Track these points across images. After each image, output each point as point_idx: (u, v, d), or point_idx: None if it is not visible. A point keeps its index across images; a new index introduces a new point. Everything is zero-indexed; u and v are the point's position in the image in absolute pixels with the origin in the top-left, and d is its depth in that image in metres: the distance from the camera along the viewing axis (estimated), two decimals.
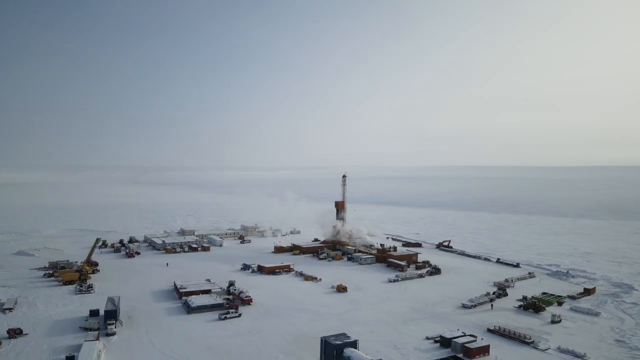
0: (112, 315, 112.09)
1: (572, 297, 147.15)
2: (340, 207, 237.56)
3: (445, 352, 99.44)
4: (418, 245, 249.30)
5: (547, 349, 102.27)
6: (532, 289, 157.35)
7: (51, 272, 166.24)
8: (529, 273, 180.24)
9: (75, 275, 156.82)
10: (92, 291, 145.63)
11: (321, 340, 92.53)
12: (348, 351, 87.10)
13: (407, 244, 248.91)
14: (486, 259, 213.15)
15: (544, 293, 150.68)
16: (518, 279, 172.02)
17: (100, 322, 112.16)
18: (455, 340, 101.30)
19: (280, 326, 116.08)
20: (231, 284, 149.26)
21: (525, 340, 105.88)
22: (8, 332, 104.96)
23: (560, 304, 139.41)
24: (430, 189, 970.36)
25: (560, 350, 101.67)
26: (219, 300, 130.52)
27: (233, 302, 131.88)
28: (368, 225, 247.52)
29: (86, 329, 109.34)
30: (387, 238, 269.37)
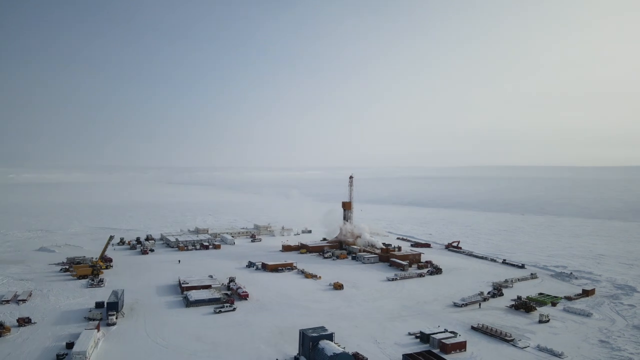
0: (113, 307, 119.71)
1: (569, 298, 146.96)
2: (347, 207, 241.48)
3: (424, 348, 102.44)
4: (427, 245, 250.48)
5: (525, 347, 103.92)
6: (531, 289, 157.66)
7: (67, 267, 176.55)
8: (532, 274, 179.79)
9: (88, 270, 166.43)
10: (102, 285, 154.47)
11: (300, 332, 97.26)
12: (322, 343, 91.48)
13: (415, 244, 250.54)
14: (492, 260, 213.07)
15: (540, 294, 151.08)
16: (519, 279, 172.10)
17: (103, 313, 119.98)
18: (434, 336, 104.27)
19: (271, 320, 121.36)
20: (231, 280, 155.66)
21: (505, 338, 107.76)
22: (18, 320, 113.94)
23: (554, 304, 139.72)
24: (458, 189, 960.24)
25: (539, 348, 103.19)
26: (217, 295, 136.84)
27: (230, 297, 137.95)
28: (373, 226, 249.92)
29: (89, 319, 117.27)
30: (398, 238, 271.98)
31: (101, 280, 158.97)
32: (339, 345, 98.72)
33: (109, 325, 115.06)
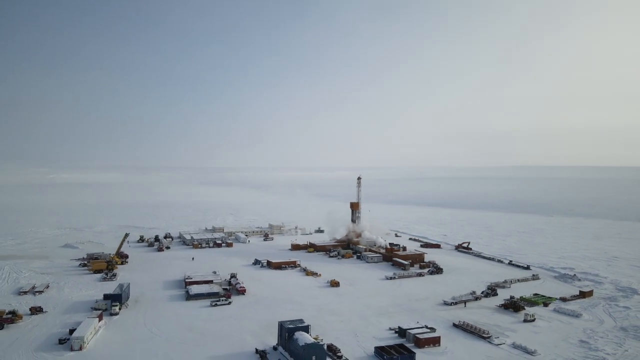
0: (117, 298, 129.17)
1: (564, 299, 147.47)
2: (354, 207, 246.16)
3: (401, 342, 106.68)
4: (437, 246, 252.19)
5: (500, 344, 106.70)
6: (528, 290, 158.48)
7: (86, 262, 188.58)
8: (533, 275, 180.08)
9: (103, 264, 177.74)
10: (114, 279, 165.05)
11: (278, 324, 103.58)
12: (297, 334, 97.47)
13: (425, 245, 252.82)
14: (499, 261, 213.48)
15: (535, 294, 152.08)
16: (519, 280, 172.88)
17: (108, 304, 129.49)
18: (410, 331, 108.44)
19: (262, 313, 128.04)
20: (233, 275, 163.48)
21: (483, 335, 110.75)
22: (30, 309, 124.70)
23: (546, 305, 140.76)
24: (488, 190, 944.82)
25: (514, 346, 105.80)
26: (216, 290, 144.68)
27: (229, 291, 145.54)
28: (382, 226, 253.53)
29: (95, 309, 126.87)
30: (410, 239, 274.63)
31: (114, 275, 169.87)
32: (317, 337, 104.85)
33: (112, 314, 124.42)
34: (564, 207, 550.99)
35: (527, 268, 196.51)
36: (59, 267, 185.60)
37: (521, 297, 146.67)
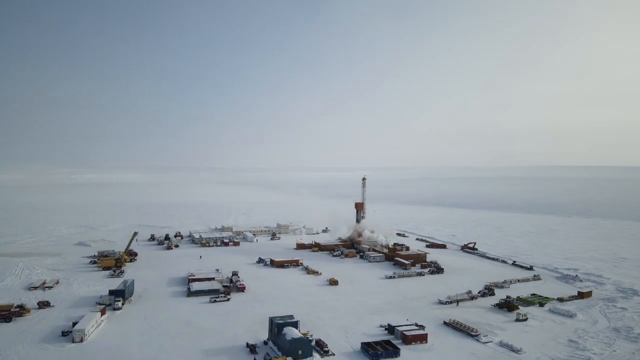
0: (119, 294, 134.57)
1: (561, 300, 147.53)
2: (359, 208, 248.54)
3: (389, 338, 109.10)
4: (442, 246, 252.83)
5: (487, 342, 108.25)
6: (527, 290, 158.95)
7: (96, 259, 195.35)
8: (534, 276, 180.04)
9: (112, 262, 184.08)
10: (122, 276, 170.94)
11: (269, 319, 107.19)
12: (286, 329, 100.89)
13: (431, 245, 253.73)
14: (503, 262, 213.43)
15: (533, 294, 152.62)
16: (519, 280, 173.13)
17: (112, 299, 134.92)
18: (398, 328, 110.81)
19: (258, 309, 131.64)
20: (234, 273, 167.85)
21: (471, 333, 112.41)
22: (38, 303, 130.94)
23: (542, 305, 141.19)
24: (509, 190, 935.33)
25: (501, 344, 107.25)
26: (216, 287, 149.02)
27: (229, 288, 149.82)
28: (386, 227, 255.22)
29: (100, 304, 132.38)
30: (417, 239, 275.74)
31: (122, 272, 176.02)
32: (306, 332, 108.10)
33: (114, 309, 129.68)
34: (584, 207, 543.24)
35: (530, 269, 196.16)
36: (71, 264, 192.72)
37: (518, 297, 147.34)
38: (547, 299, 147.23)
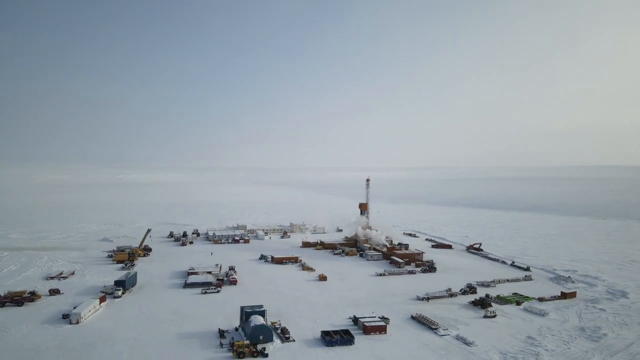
0: (120, 284, 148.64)
1: (542, 299, 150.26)
2: (363, 208, 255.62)
3: (354, 328, 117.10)
4: (448, 247, 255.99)
5: (444, 335, 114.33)
6: (513, 289, 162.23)
7: (112, 254, 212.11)
8: (526, 276, 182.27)
9: (125, 256, 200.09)
10: (132, 269, 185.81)
11: (240, 308, 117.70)
12: (252, 317, 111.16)
13: (437, 245, 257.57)
14: (503, 262, 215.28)
15: (514, 293, 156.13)
16: (508, 280, 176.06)
17: (114, 289, 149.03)
18: (361, 319, 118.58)
19: (244, 301, 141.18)
20: (231, 268, 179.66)
21: (431, 326, 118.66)
22: (49, 291, 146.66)
23: (519, 303, 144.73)
24: (548, 190, 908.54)
25: (456, 337, 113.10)
26: (210, 280, 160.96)
27: (222, 281, 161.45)
28: (390, 227, 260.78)
29: (103, 293, 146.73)
30: (426, 239, 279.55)
31: (133, 265, 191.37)
32: (276, 321, 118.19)
33: (115, 297, 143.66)
34: (622, 209, 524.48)
35: (527, 269, 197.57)
36: (90, 258, 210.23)
37: (498, 296, 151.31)
38: (527, 298, 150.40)
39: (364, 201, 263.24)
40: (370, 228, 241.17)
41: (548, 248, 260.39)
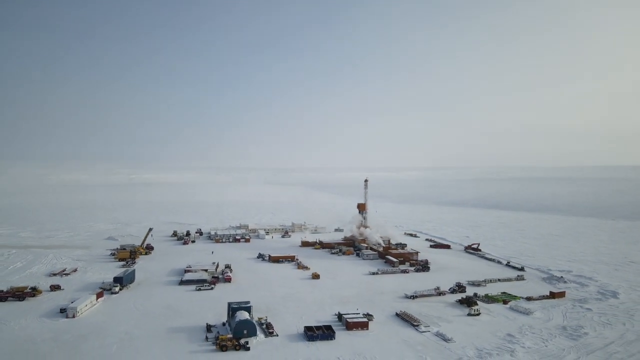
0: (118, 280, 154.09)
1: (529, 299, 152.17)
2: (361, 208, 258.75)
3: (337, 324, 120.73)
4: (447, 247, 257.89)
5: (424, 332, 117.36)
6: (504, 289, 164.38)
7: (115, 252, 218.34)
8: (518, 276, 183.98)
9: (127, 254, 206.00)
10: (133, 266, 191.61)
11: (227, 304, 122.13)
12: (238, 312, 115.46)
13: (435, 245, 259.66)
14: (499, 262, 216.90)
15: (503, 292, 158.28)
16: (499, 280, 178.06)
17: (112, 285, 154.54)
18: (345, 316, 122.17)
19: (236, 298, 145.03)
20: (227, 266, 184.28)
21: (413, 323, 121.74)
22: (50, 286, 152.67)
23: (505, 302, 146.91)
24: (561, 191, 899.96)
25: (436, 334, 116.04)
26: (205, 277, 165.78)
27: (217, 279, 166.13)
28: (387, 227, 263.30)
29: (102, 289, 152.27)
30: (426, 239, 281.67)
31: (134, 263, 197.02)
32: (263, 317, 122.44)
33: (112, 293, 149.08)
34: (633, 210, 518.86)
35: (522, 269, 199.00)
36: (94, 256, 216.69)
37: (486, 295, 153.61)
38: (514, 297, 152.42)
39: (369, 201, 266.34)
40: (365, 227, 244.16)
41: (548, 248, 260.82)
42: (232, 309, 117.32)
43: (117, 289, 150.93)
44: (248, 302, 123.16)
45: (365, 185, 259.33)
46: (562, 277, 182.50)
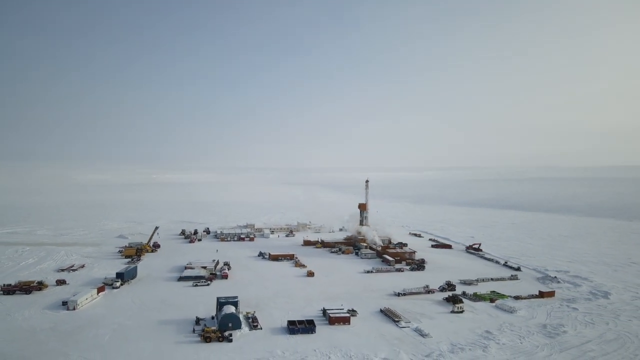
0: (119, 276, 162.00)
1: (517, 298, 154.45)
2: (362, 208, 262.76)
3: (322, 319, 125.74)
4: (448, 246, 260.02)
5: (404, 327, 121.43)
6: (496, 288, 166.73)
7: (122, 249, 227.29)
8: (512, 275, 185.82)
9: (133, 251, 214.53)
10: (137, 263, 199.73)
11: (216, 298, 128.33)
12: (225, 307, 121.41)
13: (437, 245, 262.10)
14: (496, 262, 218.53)
15: (492, 291, 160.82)
16: (492, 279, 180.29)
17: (114, 280, 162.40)
18: (328, 311, 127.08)
19: (229, 293, 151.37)
20: (226, 263, 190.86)
21: (394, 319, 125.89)
22: (56, 281, 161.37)
23: (492, 301, 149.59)
24: (576, 191, 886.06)
25: (415, 329, 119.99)
26: (202, 273, 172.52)
27: (214, 275, 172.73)
28: (386, 227, 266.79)
29: (104, 284, 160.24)
30: (430, 239, 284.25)
31: (139, 260, 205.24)
32: (250, 311, 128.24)
33: (113, 288, 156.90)
34: None
35: (518, 269, 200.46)
36: (103, 253, 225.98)
37: (474, 293, 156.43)
38: (502, 296, 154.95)
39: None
40: (365, 227, 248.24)
41: (551, 249, 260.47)
42: (220, 303, 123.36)
43: (118, 284, 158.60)
44: (236, 297, 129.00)
45: (366, 186, 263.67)
46: (555, 277, 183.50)
